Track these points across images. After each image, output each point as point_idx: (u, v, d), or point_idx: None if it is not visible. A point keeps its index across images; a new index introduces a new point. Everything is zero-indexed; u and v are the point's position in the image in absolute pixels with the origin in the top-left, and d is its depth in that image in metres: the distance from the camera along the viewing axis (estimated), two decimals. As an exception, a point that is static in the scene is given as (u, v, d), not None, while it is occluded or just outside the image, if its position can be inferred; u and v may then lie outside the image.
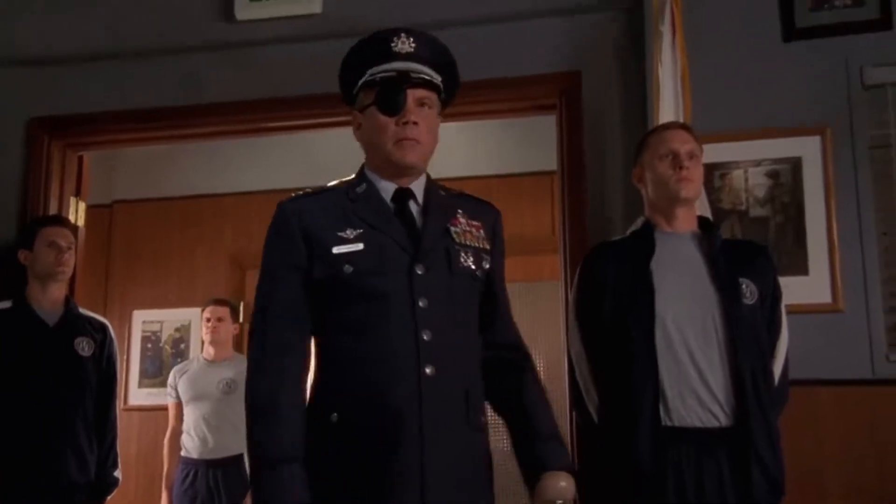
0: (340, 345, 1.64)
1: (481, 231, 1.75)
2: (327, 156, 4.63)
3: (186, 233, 5.10)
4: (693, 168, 2.17)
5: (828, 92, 2.63)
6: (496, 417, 1.77)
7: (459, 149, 4.20)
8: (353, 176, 1.77)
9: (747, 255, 2.21)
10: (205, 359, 4.17)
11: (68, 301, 2.94)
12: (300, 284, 1.65)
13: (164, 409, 4.25)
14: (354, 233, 1.64)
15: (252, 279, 5.25)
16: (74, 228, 3.18)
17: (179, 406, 4.11)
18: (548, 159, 3.15)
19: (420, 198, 1.73)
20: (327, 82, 2.99)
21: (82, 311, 2.99)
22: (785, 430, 2.10)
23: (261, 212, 5.42)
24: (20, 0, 3.35)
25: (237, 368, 4.10)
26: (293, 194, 1.75)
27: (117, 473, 2.94)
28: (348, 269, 1.62)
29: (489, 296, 1.75)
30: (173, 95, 3.17)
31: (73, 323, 2.90)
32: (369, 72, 1.71)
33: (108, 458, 2.91)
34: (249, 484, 1.61)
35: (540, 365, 2.80)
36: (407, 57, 1.68)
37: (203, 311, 4.23)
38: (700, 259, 2.15)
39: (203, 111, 3.14)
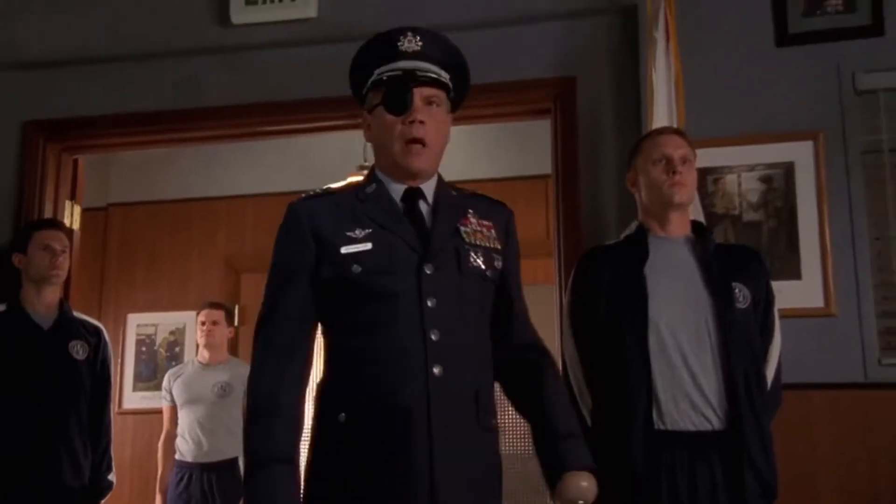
0: (348, 345, 1.63)
1: (492, 231, 1.74)
2: (323, 159, 4.65)
3: (181, 236, 5.10)
4: (686, 173, 2.18)
5: (820, 97, 2.64)
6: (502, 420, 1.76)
7: (454, 152, 4.15)
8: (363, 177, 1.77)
9: (740, 259, 2.22)
10: (199, 362, 4.17)
11: (63, 304, 2.94)
12: (308, 285, 1.65)
13: (159, 412, 4.24)
14: (363, 232, 1.63)
15: (246, 282, 5.31)
16: (69, 232, 3.17)
17: (174, 409, 4.11)
18: (542, 163, 3.15)
19: (430, 198, 1.71)
20: (323, 86, 3.03)
21: (77, 314, 2.98)
22: (778, 434, 2.11)
23: (255, 215, 5.49)
24: (16, 3, 3.36)
25: (232, 372, 4.11)
26: (303, 195, 1.75)
27: (111, 477, 2.93)
28: (356, 268, 1.61)
29: (503, 296, 1.74)
30: (169, 99, 3.17)
31: (67, 326, 2.90)
32: (377, 71, 1.70)
33: (102, 461, 2.90)
34: (243, 483, 1.60)
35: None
36: (414, 56, 1.68)
37: (198, 314, 4.23)
38: (693, 263, 2.16)
39: (199, 115, 3.15)
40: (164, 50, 3.21)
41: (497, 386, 1.74)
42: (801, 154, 2.62)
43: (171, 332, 5.02)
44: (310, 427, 1.66)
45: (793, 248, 2.58)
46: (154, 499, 4.14)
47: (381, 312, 1.60)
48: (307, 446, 1.66)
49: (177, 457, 4.04)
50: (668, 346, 2.06)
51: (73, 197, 3.39)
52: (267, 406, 1.59)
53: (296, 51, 3.10)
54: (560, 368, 2.09)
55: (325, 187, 1.79)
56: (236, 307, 4.93)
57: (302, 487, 1.61)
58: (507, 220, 1.79)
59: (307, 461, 1.65)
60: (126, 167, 5.13)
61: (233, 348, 4.53)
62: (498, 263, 1.72)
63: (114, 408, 3.12)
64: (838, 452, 2.46)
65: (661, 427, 2.03)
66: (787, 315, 2.29)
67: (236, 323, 4.78)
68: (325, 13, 3.11)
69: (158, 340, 5.03)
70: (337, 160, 4.50)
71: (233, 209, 5.08)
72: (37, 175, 3.22)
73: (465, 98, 1.82)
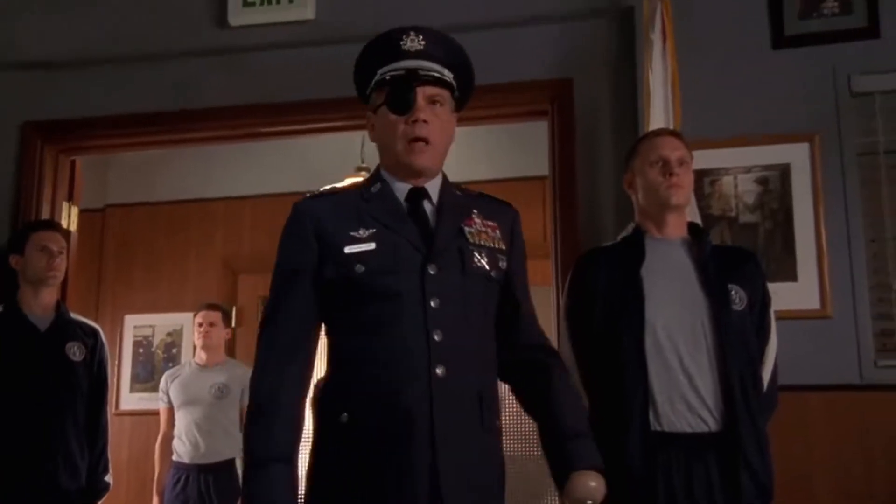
0: (351, 345, 1.63)
1: (497, 231, 1.73)
2: (321, 160, 4.65)
3: (179, 237, 5.10)
4: (683, 175, 2.18)
5: (816, 99, 2.65)
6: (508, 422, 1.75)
7: (451, 154, 4.19)
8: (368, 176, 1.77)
9: (736, 261, 2.22)
10: (197, 363, 4.17)
11: (59, 306, 2.94)
12: (311, 285, 1.65)
13: (156, 413, 4.24)
14: (367, 232, 1.63)
15: (244, 284, 5.31)
16: (66, 233, 3.17)
17: (171, 411, 4.11)
18: (539, 164, 3.16)
19: (435, 198, 1.71)
20: (321, 87, 3.04)
21: (73, 315, 2.98)
22: (774, 436, 2.12)
23: (254, 216, 5.49)
24: (15, 4, 3.36)
25: (229, 373, 4.11)
26: (307, 194, 1.75)
27: (108, 479, 2.93)
28: (360, 268, 1.61)
29: (509, 297, 1.73)
30: (167, 100, 3.17)
31: (64, 328, 2.90)
32: (380, 71, 1.70)
33: (99, 463, 2.90)
34: (242, 482, 1.60)
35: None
36: (417, 55, 1.68)
37: (195, 315, 4.23)
38: (690, 265, 2.16)
39: (197, 116, 3.15)
40: (161, 51, 3.21)
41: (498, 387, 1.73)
42: (797, 156, 2.63)
43: (169, 334, 5.02)
44: (311, 427, 1.66)
45: (789, 250, 2.59)
46: (151, 500, 4.13)
47: (385, 312, 1.59)
48: (308, 446, 1.66)
49: (174, 458, 4.04)
50: (664, 347, 2.07)
51: (70, 198, 3.39)
52: (268, 406, 1.60)
53: (293, 52, 3.10)
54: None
55: (329, 187, 1.79)
56: (234, 308, 4.93)
57: (303, 487, 1.61)
58: (512, 220, 1.79)
59: (309, 461, 1.65)
60: (124, 168, 5.12)
61: (230, 350, 4.54)
62: (503, 264, 1.71)
63: (111, 409, 3.12)
64: (834, 454, 2.47)
65: (658, 428, 2.03)
66: (783, 317, 2.30)
67: (234, 324, 4.78)
68: (323, 15, 3.11)
69: (156, 342, 5.03)
70: (335, 161, 4.51)
71: (231, 210, 5.08)
72: (34, 176, 3.22)
73: (469, 97, 1.82)
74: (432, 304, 1.59)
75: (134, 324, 5.04)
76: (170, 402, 4.11)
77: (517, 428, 3.93)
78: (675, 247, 2.20)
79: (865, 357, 2.51)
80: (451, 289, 1.62)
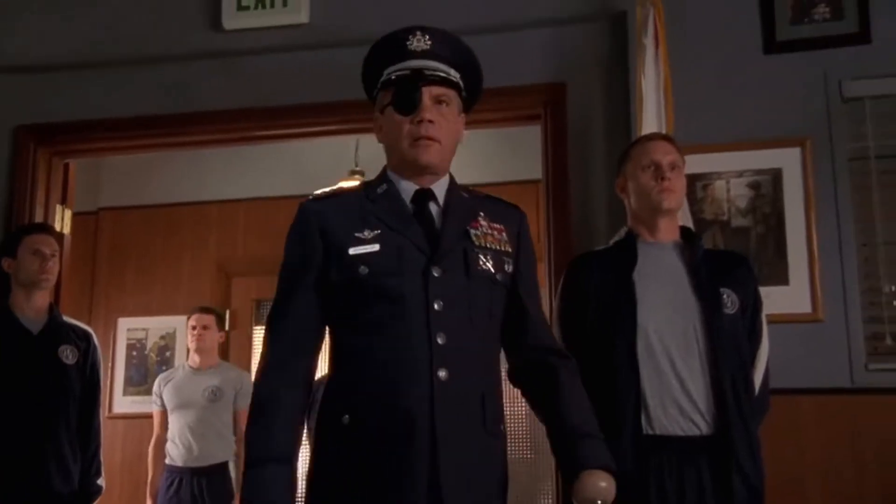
0: (354, 345, 1.63)
1: (504, 234, 1.72)
2: (315, 164, 4.66)
3: (172, 240, 5.09)
4: (675, 179, 2.19)
5: (808, 104, 2.67)
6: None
7: (446, 158, 4.22)
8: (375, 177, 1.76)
9: (728, 265, 2.23)
10: (190, 367, 4.17)
11: (52, 309, 2.93)
12: (316, 286, 1.64)
13: (149, 416, 4.24)
14: (371, 233, 1.62)
15: (238, 287, 5.31)
16: (59, 236, 3.17)
17: (164, 414, 4.11)
18: (533, 168, 3.17)
19: (441, 199, 1.70)
20: (315, 91, 3.04)
21: (66, 319, 2.98)
22: (766, 439, 2.12)
23: (247, 220, 5.49)
24: (8, 7, 3.35)
25: (222, 376, 4.11)
26: (311, 195, 1.75)
27: (101, 482, 2.93)
28: (364, 270, 1.60)
29: (515, 299, 1.72)
30: (161, 104, 3.17)
31: (56, 331, 2.89)
32: (386, 71, 1.70)
33: (91, 466, 2.89)
34: (241, 482, 1.60)
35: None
36: (423, 55, 1.67)
37: (188, 318, 4.23)
38: (682, 269, 2.17)
39: (191, 119, 3.15)
40: (155, 54, 3.21)
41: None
42: (788, 160, 2.64)
43: (162, 337, 5.01)
44: (313, 427, 1.66)
45: (780, 254, 2.60)
46: (144, 503, 4.13)
47: (388, 314, 1.59)
48: (310, 447, 1.66)
49: (167, 461, 4.03)
50: (656, 351, 2.07)
51: (63, 201, 3.39)
52: (269, 405, 1.59)
53: (288, 56, 3.11)
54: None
55: (336, 186, 1.79)
56: (227, 312, 4.93)
57: (302, 488, 1.61)
58: (519, 222, 1.78)
59: (309, 461, 1.65)
60: (117, 171, 5.12)
61: (223, 353, 4.54)
62: (508, 267, 1.70)
63: (104, 412, 3.12)
64: (826, 457, 2.48)
65: (650, 432, 2.04)
66: (774, 320, 2.30)
67: (227, 327, 4.78)
68: (317, 19, 3.11)
69: (149, 345, 5.02)
70: (329, 165, 4.51)
71: (224, 214, 5.08)
72: (27, 179, 3.21)
73: (478, 98, 1.81)
74: (436, 306, 1.58)
75: (127, 327, 5.03)
76: (163, 406, 4.11)
77: (509, 430, 3.94)
78: (667, 251, 2.21)
79: (857, 361, 2.52)
80: (456, 291, 1.61)
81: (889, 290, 2.60)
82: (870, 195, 2.64)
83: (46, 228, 3.07)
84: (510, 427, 1.71)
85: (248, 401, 4.29)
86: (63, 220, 3.36)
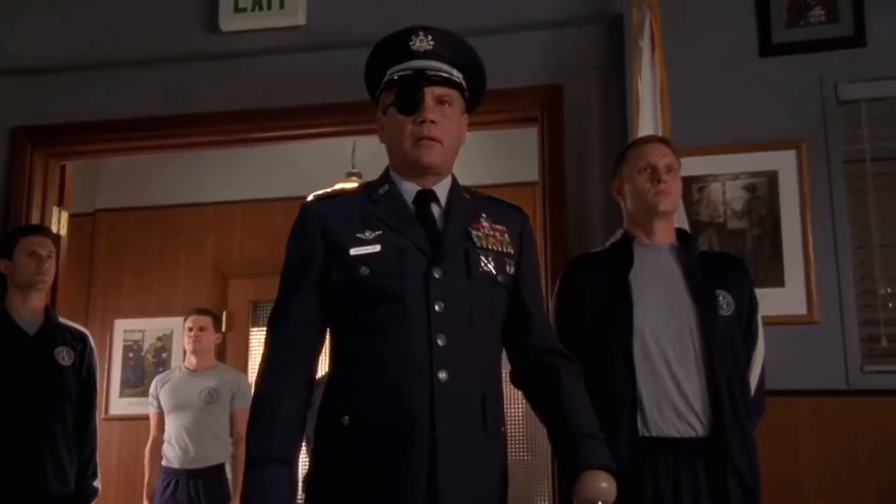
0: (355, 346, 1.62)
1: (506, 235, 1.71)
2: (312, 166, 4.66)
3: (169, 242, 5.09)
4: (671, 181, 2.20)
5: (803, 107, 2.67)
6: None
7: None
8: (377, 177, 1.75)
9: (724, 267, 2.24)
10: (187, 368, 4.16)
11: (48, 311, 2.93)
12: (318, 287, 1.64)
13: (146, 418, 4.23)
14: (373, 234, 1.62)
15: (234, 288, 5.31)
16: (55, 237, 3.17)
17: (161, 415, 4.10)
18: (529, 170, 3.17)
19: (443, 200, 1.69)
20: (312, 93, 3.05)
21: (62, 320, 2.97)
22: (762, 440, 2.13)
23: (244, 221, 5.49)
24: (5, 9, 3.36)
25: (219, 378, 4.11)
26: (313, 195, 1.75)
27: (97, 484, 2.92)
28: (364, 271, 1.60)
29: (518, 301, 1.71)
30: (158, 105, 3.17)
31: (52, 332, 2.89)
32: (389, 71, 1.69)
33: (87, 468, 2.89)
34: (242, 483, 1.59)
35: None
36: (425, 55, 1.66)
37: (185, 320, 4.23)
38: (678, 271, 2.17)
39: (187, 121, 3.15)
40: (152, 56, 3.21)
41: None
42: (784, 163, 2.65)
43: (159, 338, 5.01)
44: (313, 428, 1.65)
45: (776, 256, 2.61)
46: (141, 505, 4.13)
47: (389, 315, 1.58)
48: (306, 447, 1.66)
49: (163, 463, 4.03)
50: (652, 353, 2.08)
51: (60, 203, 3.39)
52: (268, 406, 1.59)
53: (285, 58, 3.11)
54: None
55: (334, 188, 1.78)
56: (224, 313, 4.93)
57: (302, 488, 1.61)
58: (522, 224, 1.77)
59: (309, 461, 1.66)
60: (114, 173, 5.12)
61: (220, 354, 4.53)
62: (510, 269, 1.69)
63: (100, 414, 3.12)
64: (821, 459, 2.48)
65: (646, 434, 2.04)
66: (770, 322, 2.32)
67: (224, 329, 4.78)
68: (314, 21, 3.12)
69: (146, 346, 5.02)
70: (326, 167, 4.51)
71: (221, 215, 5.08)
72: (24, 181, 3.21)
73: (481, 99, 1.81)
74: (437, 308, 1.57)
75: (124, 328, 5.03)
76: (159, 407, 4.11)
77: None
78: (663, 253, 2.21)
79: (852, 363, 2.53)
80: (457, 293, 1.61)
81: (884, 293, 2.61)
82: (865, 198, 2.65)
83: (43, 230, 3.07)
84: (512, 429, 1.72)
85: (245, 402, 4.32)
86: (60, 222, 3.36)
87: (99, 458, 2.97)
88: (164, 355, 4.98)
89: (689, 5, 2.80)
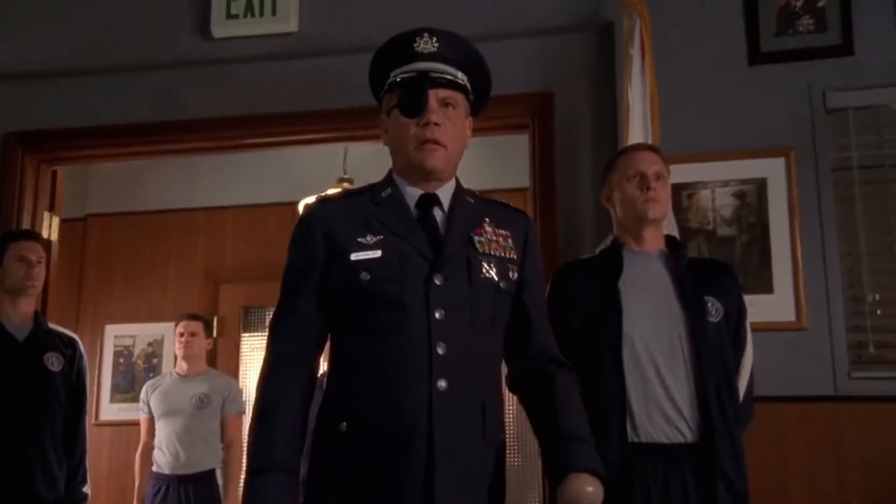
0: (354, 352, 1.61)
1: (509, 240, 1.70)
2: (303, 172, 4.66)
3: (160, 247, 5.09)
4: (660, 189, 2.21)
5: (792, 115, 2.69)
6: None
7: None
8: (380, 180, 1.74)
9: (713, 273, 2.25)
10: (177, 374, 4.15)
11: (38, 316, 2.93)
12: (318, 292, 1.63)
13: (136, 424, 4.22)
14: (374, 239, 1.61)
15: (225, 294, 5.30)
16: (45, 243, 3.16)
17: (151, 421, 4.09)
18: (520, 176, 3.18)
19: (446, 204, 1.68)
20: (303, 100, 3.05)
21: (52, 326, 2.97)
22: (750, 446, 2.14)
23: (235, 227, 5.49)
24: (-4, 15, 3.36)
25: (210, 383, 4.10)
26: (315, 197, 1.74)
27: (86, 489, 2.91)
28: (365, 276, 1.58)
29: (520, 306, 1.69)
30: (150, 111, 3.17)
31: (42, 338, 2.89)
32: (392, 73, 1.68)
33: (77, 473, 2.88)
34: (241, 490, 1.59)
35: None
36: (430, 57, 1.65)
37: (176, 325, 4.22)
38: (667, 277, 2.18)
39: (179, 127, 3.15)
40: (144, 62, 3.21)
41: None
42: (773, 170, 2.66)
43: (150, 344, 5.00)
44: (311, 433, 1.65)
45: (765, 263, 2.62)
46: (131, 511, 4.11)
47: (389, 321, 1.57)
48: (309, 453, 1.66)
49: (154, 469, 4.01)
50: (641, 359, 2.08)
51: (51, 208, 3.38)
52: (268, 414, 1.58)
53: (277, 64, 3.12)
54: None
55: (342, 188, 1.77)
56: (215, 318, 4.92)
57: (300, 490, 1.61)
58: (525, 228, 1.75)
59: (307, 467, 1.65)
60: (105, 178, 5.11)
61: (211, 360, 4.52)
62: (513, 274, 1.68)
63: (91, 419, 3.11)
64: (809, 464, 2.50)
65: (635, 439, 2.05)
66: (758, 328, 2.32)
67: (215, 334, 4.77)
68: (306, 28, 3.12)
69: (136, 352, 5.01)
70: (318, 172, 4.52)
71: (212, 220, 5.08)
72: (15, 186, 3.21)
73: (486, 102, 1.79)
74: (437, 315, 1.56)
75: (114, 334, 5.02)
76: (150, 413, 4.09)
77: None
78: (652, 260, 2.22)
79: (840, 369, 2.54)
80: (458, 300, 1.59)
81: (872, 299, 2.62)
82: (853, 205, 2.67)
83: (32, 235, 3.06)
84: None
85: (236, 408, 4.30)
86: (51, 227, 3.36)
87: (89, 463, 2.96)
88: (154, 361, 4.97)
89: (679, 14, 2.81)
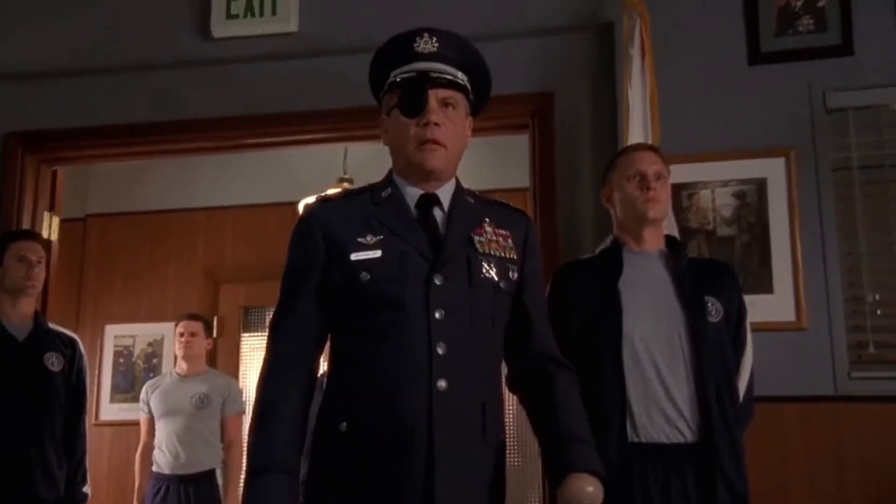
0: (354, 352, 1.61)
1: (509, 240, 1.70)
2: (303, 172, 4.67)
3: (160, 247, 5.09)
4: (660, 189, 2.21)
5: (792, 115, 2.69)
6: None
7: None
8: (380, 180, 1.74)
9: (713, 273, 2.25)
10: (177, 374, 4.15)
11: (38, 316, 2.93)
12: (318, 292, 1.63)
13: (136, 424, 4.22)
14: (374, 239, 1.61)
15: (225, 294, 5.31)
16: (45, 243, 3.17)
17: (151, 421, 4.09)
18: (520, 176, 3.19)
19: (446, 204, 1.68)
20: (303, 100, 3.05)
21: (52, 326, 2.97)
22: (750, 446, 2.14)
23: (235, 226, 5.50)
24: (-4, 16, 3.36)
25: (210, 383, 4.10)
26: (315, 197, 1.74)
27: (86, 489, 2.92)
28: (365, 276, 1.58)
29: (520, 306, 1.70)
30: (149, 111, 3.17)
31: (42, 338, 2.89)
32: (392, 73, 1.68)
33: (77, 473, 2.89)
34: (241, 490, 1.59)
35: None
36: (430, 57, 1.65)
37: (176, 325, 4.22)
38: (667, 277, 2.18)
39: (179, 127, 3.15)
40: (144, 62, 3.21)
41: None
42: (773, 170, 2.66)
43: (150, 344, 5.00)
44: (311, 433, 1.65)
45: (765, 263, 2.62)
46: (131, 511, 4.11)
47: (389, 322, 1.57)
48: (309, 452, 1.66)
49: (154, 469, 4.02)
50: (641, 359, 2.09)
51: (51, 208, 3.38)
52: (268, 414, 1.58)
53: (277, 64, 3.12)
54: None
55: (342, 188, 1.77)
56: (215, 318, 4.92)
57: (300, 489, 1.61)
58: (525, 229, 1.75)
59: (307, 467, 1.65)
60: (105, 178, 5.11)
61: (211, 360, 4.53)
62: (513, 274, 1.68)
63: (91, 419, 3.11)
64: (809, 464, 2.50)
65: (635, 439, 2.05)
66: (758, 328, 2.32)
67: (215, 334, 4.77)
68: (306, 28, 3.13)
69: (136, 352, 5.01)
70: (318, 172, 4.52)
71: (212, 220, 5.08)
72: (15, 186, 3.21)
73: (486, 102, 1.79)
74: (437, 315, 1.56)
75: (114, 334, 5.02)
76: (150, 413, 4.09)
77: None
78: (652, 260, 2.22)
79: (840, 369, 2.54)
80: (458, 300, 1.59)
81: (872, 299, 2.62)
82: (853, 205, 2.67)
83: (32, 235, 3.06)
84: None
85: (236, 408, 4.31)
86: (51, 227, 3.36)
87: (89, 463, 2.96)
88: (154, 361, 4.97)
89: (679, 14, 2.81)
